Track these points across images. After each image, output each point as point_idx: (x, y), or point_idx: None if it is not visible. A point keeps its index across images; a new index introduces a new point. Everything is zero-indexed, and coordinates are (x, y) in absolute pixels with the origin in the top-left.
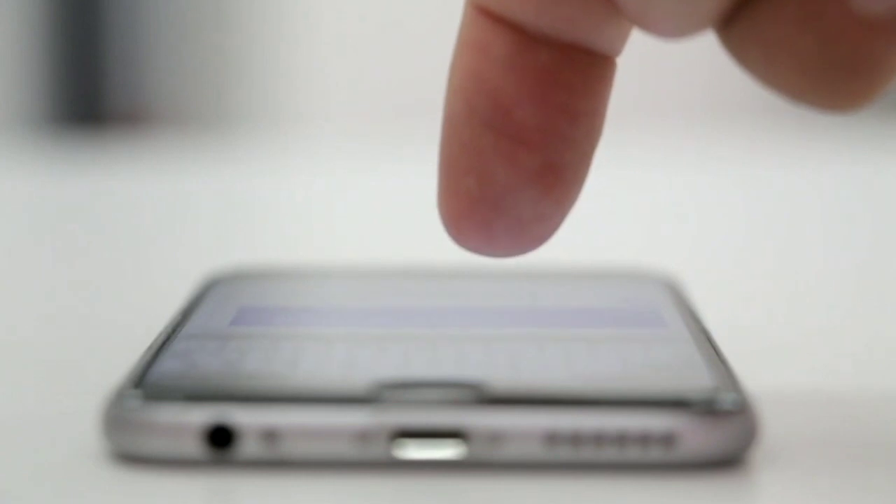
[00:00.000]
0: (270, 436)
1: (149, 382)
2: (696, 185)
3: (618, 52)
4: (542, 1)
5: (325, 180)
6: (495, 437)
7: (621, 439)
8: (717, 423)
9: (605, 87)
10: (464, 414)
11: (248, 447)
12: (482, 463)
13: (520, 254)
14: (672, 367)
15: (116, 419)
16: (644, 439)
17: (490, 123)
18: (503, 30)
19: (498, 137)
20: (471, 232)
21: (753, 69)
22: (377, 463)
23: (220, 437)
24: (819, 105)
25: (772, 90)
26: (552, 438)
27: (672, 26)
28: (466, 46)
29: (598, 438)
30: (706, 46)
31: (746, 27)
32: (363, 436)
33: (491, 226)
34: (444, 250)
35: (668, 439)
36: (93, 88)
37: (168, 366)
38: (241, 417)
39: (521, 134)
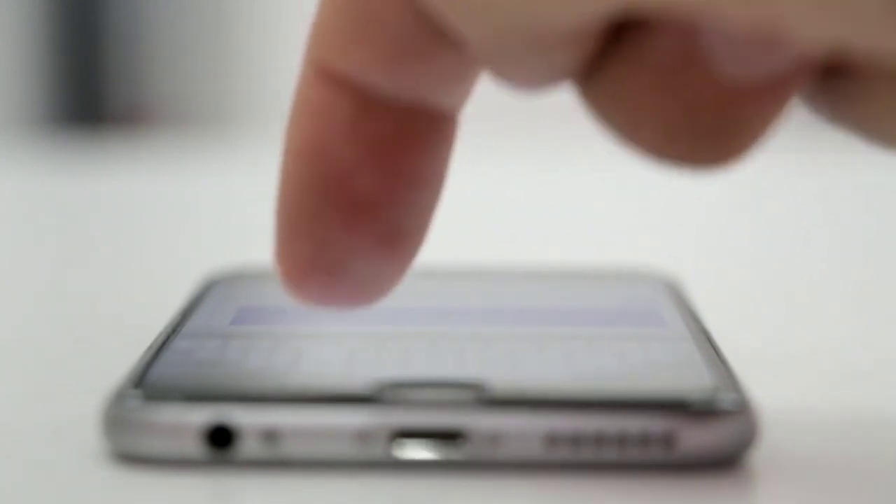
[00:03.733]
0: (270, 436)
1: (149, 382)
2: (696, 184)
3: (461, 109)
4: (388, 58)
5: None
6: (495, 438)
7: (621, 439)
8: (717, 424)
9: (448, 147)
10: (464, 414)
11: (248, 447)
12: (482, 463)
13: (359, 308)
14: (672, 367)
15: (116, 419)
16: (644, 439)
17: (328, 191)
18: (344, 93)
19: (336, 205)
20: (308, 293)
21: (612, 128)
22: (377, 463)
23: (220, 437)
24: (684, 165)
25: (632, 150)
26: (552, 439)
27: (524, 79)
28: (304, 109)
29: (598, 439)
30: None
31: (605, 85)
32: (363, 436)
33: (328, 289)
34: (445, 250)
35: (667, 439)
36: (93, 88)
37: (168, 366)
38: (241, 417)
39: (362, 202)
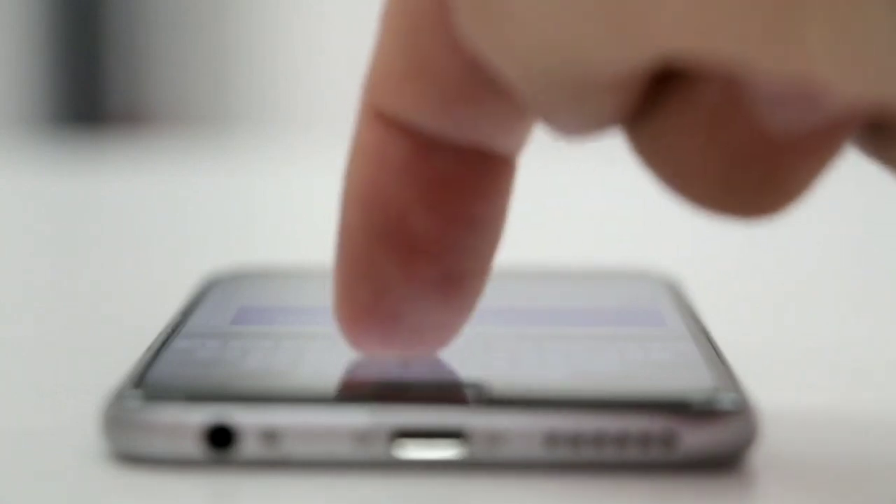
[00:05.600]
0: (270, 436)
1: (149, 382)
2: None
3: (518, 153)
4: (440, 102)
5: (325, 180)
6: (495, 437)
7: (621, 439)
8: (717, 423)
9: (505, 190)
10: (464, 414)
11: (248, 447)
12: (482, 463)
13: (420, 355)
14: (672, 367)
15: (116, 419)
16: (644, 439)
17: (384, 234)
18: (398, 134)
19: (393, 248)
20: (367, 341)
21: (658, 175)
22: (377, 463)
23: (220, 437)
24: (727, 215)
25: (676, 196)
26: (552, 438)
27: (572, 125)
28: (360, 152)
29: (599, 438)
30: None
31: (651, 133)
32: (363, 436)
33: (387, 335)
34: None
35: (668, 439)
36: (93, 88)
37: (168, 366)
38: (241, 417)
39: (418, 245)
